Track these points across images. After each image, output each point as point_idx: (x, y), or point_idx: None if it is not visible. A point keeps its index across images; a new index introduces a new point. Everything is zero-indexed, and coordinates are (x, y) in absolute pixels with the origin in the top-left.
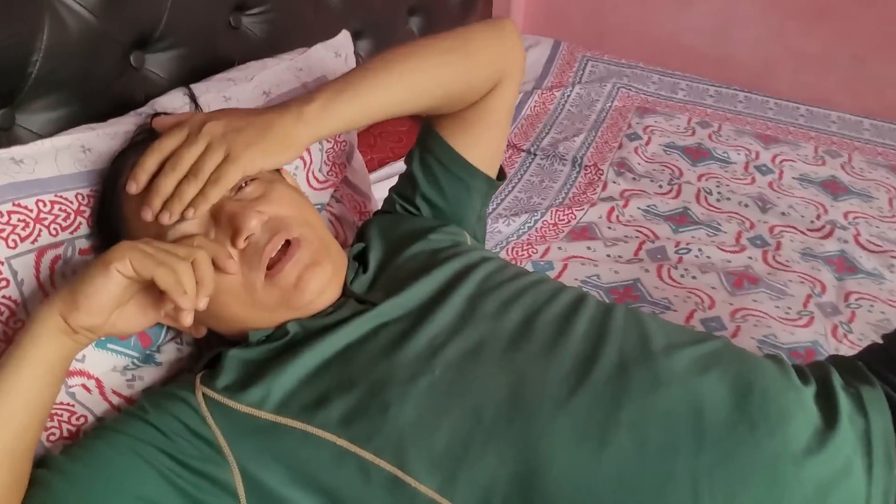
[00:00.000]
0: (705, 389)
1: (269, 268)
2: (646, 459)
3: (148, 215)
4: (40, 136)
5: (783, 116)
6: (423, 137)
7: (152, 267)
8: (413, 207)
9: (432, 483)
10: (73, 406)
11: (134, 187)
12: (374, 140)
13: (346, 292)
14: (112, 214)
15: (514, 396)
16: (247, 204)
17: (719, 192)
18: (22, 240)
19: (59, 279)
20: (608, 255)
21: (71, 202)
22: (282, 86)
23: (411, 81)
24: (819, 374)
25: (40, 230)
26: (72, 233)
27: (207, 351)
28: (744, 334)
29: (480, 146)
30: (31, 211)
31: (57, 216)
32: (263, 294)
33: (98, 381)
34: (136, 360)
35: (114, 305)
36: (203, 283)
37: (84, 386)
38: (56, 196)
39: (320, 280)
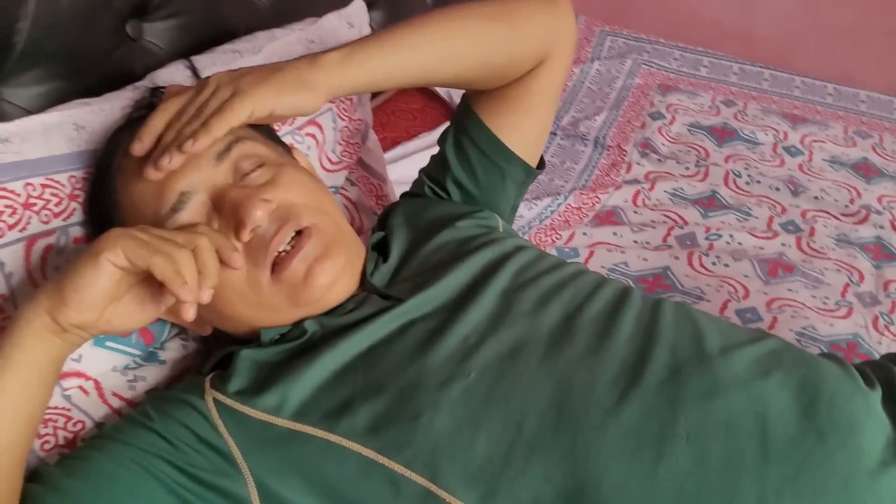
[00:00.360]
0: (769, 396)
1: (275, 264)
2: (707, 474)
3: (150, 173)
4: (28, 112)
5: (810, 95)
6: (459, 116)
7: (147, 256)
8: (443, 191)
9: (469, 499)
10: (69, 410)
11: (138, 147)
12: (387, 118)
13: (366, 286)
14: (105, 199)
15: (558, 404)
16: (252, 191)
17: (749, 175)
18: (9, 228)
19: (52, 271)
20: (635, 242)
21: (63, 185)
22: (292, 58)
23: (445, 45)
24: (882, 375)
25: (30, 217)
26: (65, 219)
27: (216, 349)
28: (781, 326)
29: (521, 130)
30: (19, 196)
31: (48, 201)
32: (270, 293)
33: (96, 382)
34: (137, 359)
35: (107, 300)
36: (206, 273)
37: (81, 388)
38: (47, 179)
39: (331, 272)
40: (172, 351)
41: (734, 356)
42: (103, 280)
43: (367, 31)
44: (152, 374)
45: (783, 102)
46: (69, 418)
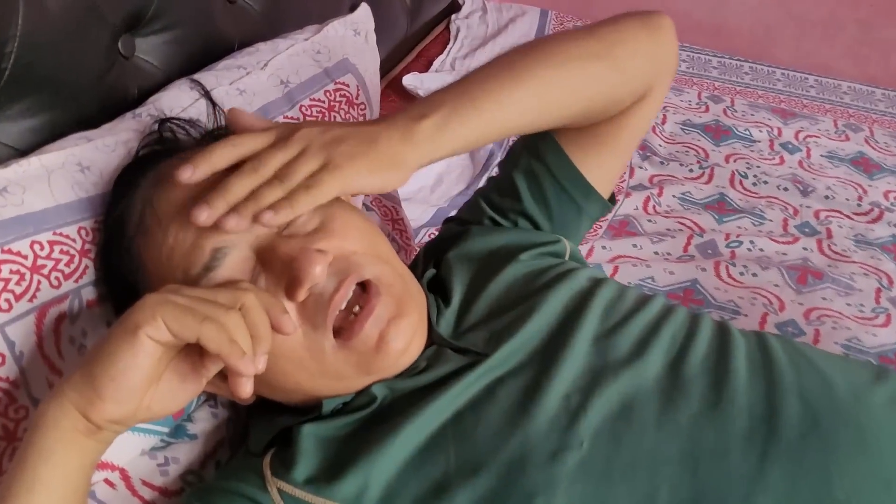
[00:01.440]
0: None
1: (341, 329)
2: None
3: (202, 216)
4: (19, 152)
5: (793, 88)
6: (534, 141)
7: (195, 325)
8: (508, 222)
9: None
10: None
11: (188, 174)
12: None
13: (433, 338)
14: (123, 258)
15: (691, 472)
16: (304, 241)
17: (755, 176)
18: (17, 298)
19: (67, 346)
20: (656, 253)
21: (73, 240)
22: (301, 73)
23: (545, 96)
24: None
25: (39, 282)
26: (76, 280)
27: (257, 416)
28: (825, 339)
29: (605, 166)
30: (26, 258)
31: (58, 261)
32: (335, 361)
33: (123, 471)
34: (165, 437)
35: (148, 385)
36: (259, 337)
37: (107, 481)
38: (54, 234)
39: (406, 334)
40: (202, 422)
41: (867, 399)
42: (145, 362)
43: (372, 37)
44: (184, 453)
45: (768, 96)
46: None
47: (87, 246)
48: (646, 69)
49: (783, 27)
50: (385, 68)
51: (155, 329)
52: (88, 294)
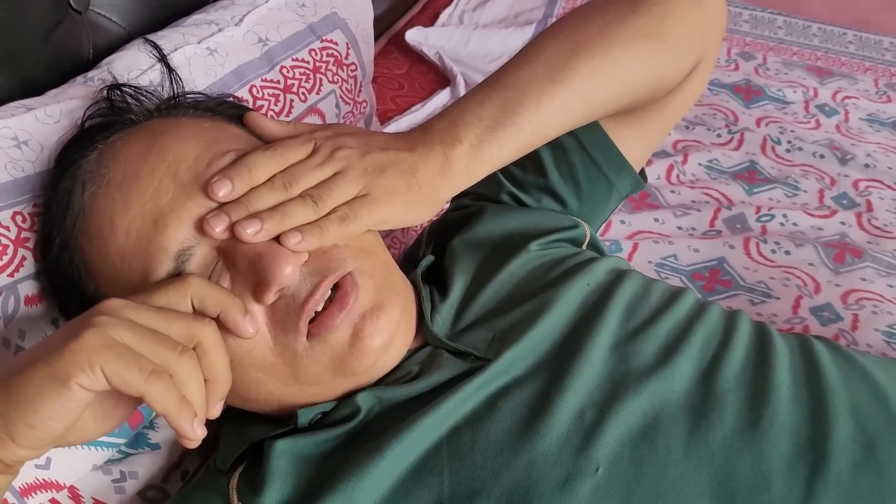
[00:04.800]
0: None
1: (309, 323)
2: None
3: (217, 227)
4: None
5: (830, 44)
6: None
7: (139, 381)
8: (532, 199)
9: None
10: None
11: (226, 191)
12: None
13: (426, 337)
14: (68, 254)
15: None
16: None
17: (788, 142)
18: None
19: (1, 350)
20: (680, 228)
21: (7, 228)
22: (282, 30)
23: (590, 94)
24: None
25: None
26: (11, 274)
27: (228, 425)
28: (864, 326)
29: (643, 139)
30: None
31: None
32: (309, 363)
33: (72, 489)
34: (122, 448)
35: (68, 428)
36: (216, 382)
37: (53, 501)
38: None
39: (385, 330)
40: (167, 429)
41: None
42: (72, 412)
43: None
44: (144, 466)
45: (803, 53)
46: None
47: (25, 234)
48: (695, 42)
49: None
50: (386, 22)
51: (90, 380)
52: (27, 289)
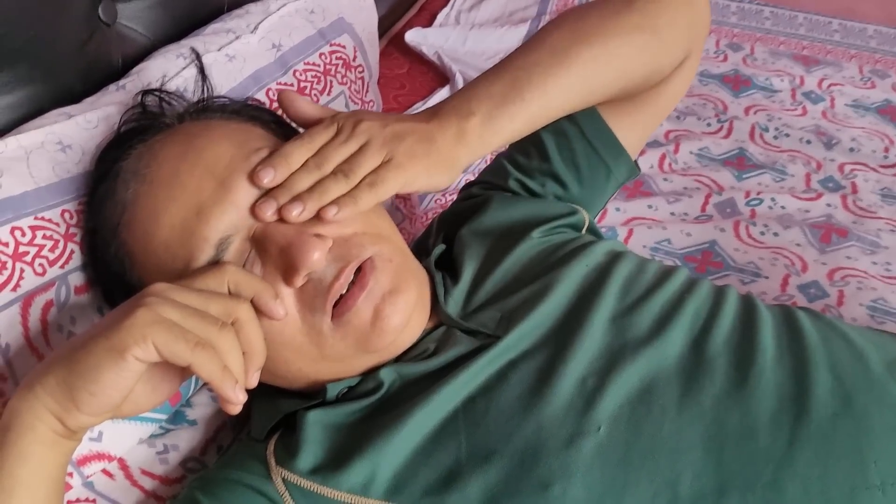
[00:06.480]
0: None
1: (334, 305)
2: None
3: (268, 211)
4: None
5: (816, 33)
6: None
7: (187, 351)
8: (536, 184)
9: None
10: (94, 502)
11: (269, 178)
12: None
13: (441, 317)
14: (111, 248)
15: (715, 456)
16: (301, 227)
17: (776, 129)
18: (0, 287)
19: (56, 334)
20: (673, 214)
21: (57, 224)
22: (294, 35)
23: (590, 78)
24: None
25: (22, 270)
26: (62, 266)
27: (260, 399)
28: (850, 301)
29: (638, 128)
30: (7, 245)
31: (41, 247)
32: (334, 341)
33: (121, 461)
34: (163, 424)
35: (124, 397)
36: (252, 353)
37: (105, 472)
38: (36, 219)
39: (403, 311)
40: (202, 407)
41: None
42: (128, 381)
43: None
44: (184, 440)
45: (790, 43)
46: None
47: (73, 230)
48: (685, 35)
49: None
50: (386, 24)
51: (144, 352)
52: (76, 280)
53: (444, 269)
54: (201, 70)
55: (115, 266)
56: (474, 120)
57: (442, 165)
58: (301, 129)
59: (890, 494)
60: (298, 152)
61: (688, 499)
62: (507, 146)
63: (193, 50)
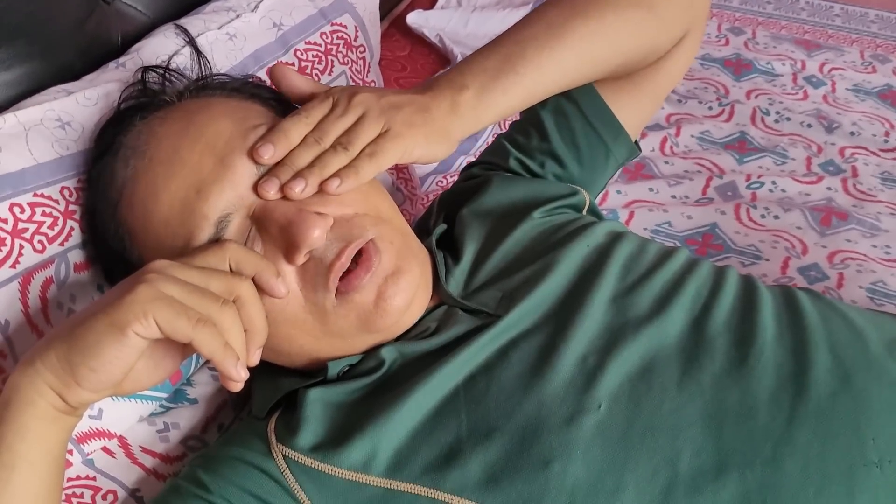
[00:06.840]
0: None
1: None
2: None
3: (271, 190)
4: None
5: (817, 17)
6: None
7: (188, 328)
8: (536, 164)
9: None
10: (94, 479)
11: (270, 152)
12: None
13: (442, 297)
14: (112, 226)
15: (714, 437)
16: (302, 205)
17: (777, 113)
18: None
19: (55, 311)
20: (674, 197)
21: (56, 201)
22: (295, 14)
23: (586, 53)
24: None
25: (21, 247)
26: (62, 244)
27: (261, 377)
28: (849, 284)
29: (638, 107)
30: (6, 222)
31: (41, 224)
32: (337, 318)
33: (121, 439)
34: (163, 402)
35: (126, 373)
36: (253, 331)
37: (105, 449)
38: (35, 196)
39: (406, 292)
40: (203, 385)
41: None
42: (130, 357)
43: None
44: (185, 418)
45: (791, 27)
46: (97, 489)
47: (72, 207)
48: (684, 13)
49: None
50: (388, 6)
51: (145, 328)
52: (76, 257)
53: (445, 248)
54: (193, 46)
55: (115, 244)
56: (468, 93)
57: (438, 135)
58: (297, 105)
59: (888, 471)
60: (297, 128)
61: (687, 476)
62: (508, 126)
63: (183, 28)
